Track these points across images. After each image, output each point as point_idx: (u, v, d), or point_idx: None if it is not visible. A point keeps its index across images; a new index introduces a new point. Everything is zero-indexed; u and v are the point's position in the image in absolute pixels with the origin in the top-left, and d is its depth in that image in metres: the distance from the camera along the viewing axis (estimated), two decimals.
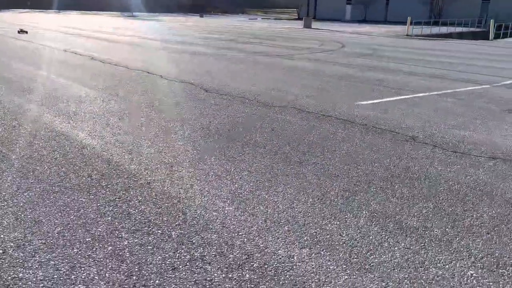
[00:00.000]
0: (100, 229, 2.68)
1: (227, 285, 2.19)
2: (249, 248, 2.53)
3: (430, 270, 2.38)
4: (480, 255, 2.55)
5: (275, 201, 3.18)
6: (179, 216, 2.89)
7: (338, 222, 2.89)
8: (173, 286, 2.17)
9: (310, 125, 5.27)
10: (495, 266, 2.44)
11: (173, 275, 2.26)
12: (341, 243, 2.63)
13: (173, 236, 2.64)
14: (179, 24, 34.69)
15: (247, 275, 2.28)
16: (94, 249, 2.47)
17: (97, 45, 15.05)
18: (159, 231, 2.69)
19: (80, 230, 2.66)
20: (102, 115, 5.45)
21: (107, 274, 2.24)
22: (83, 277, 2.21)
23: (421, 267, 2.41)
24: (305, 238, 2.67)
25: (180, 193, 3.24)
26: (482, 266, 2.43)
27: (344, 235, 2.73)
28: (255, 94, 7.03)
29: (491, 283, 2.28)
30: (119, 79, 8.22)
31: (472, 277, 2.33)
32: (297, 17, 60.41)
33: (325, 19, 51.62)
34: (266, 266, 2.37)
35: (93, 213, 2.88)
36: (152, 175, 3.57)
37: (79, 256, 2.39)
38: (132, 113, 5.63)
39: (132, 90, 7.11)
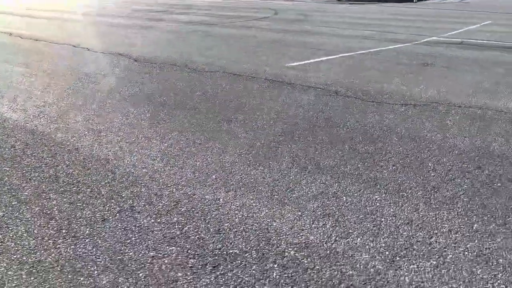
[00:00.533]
0: (26, 193, 2.69)
1: (155, 229, 2.33)
2: (177, 196, 2.68)
3: (341, 198, 2.68)
4: (385, 183, 2.88)
5: (204, 155, 3.33)
6: (108, 175, 2.95)
7: (262, 168, 3.11)
8: (103, 234, 2.28)
9: (240, 87, 5.42)
10: (396, 190, 2.79)
11: (103, 225, 2.36)
12: (264, 184, 2.85)
13: (103, 192, 2.72)
14: None
15: (175, 219, 2.43)
16: (21, 211, 2.49)
17: (18, 21, 13.99)
18: (88, 190, 2.75)
19: (5, 196, 2.65)
20: (24, 90, 5.23)
21: (35, 231, 2.29)
22: (11, 235, 2.25)
23: (333, 197, 2.69)
24: (231, 183, 2.86)
25: (109, 155, 3.28)
26: (385, 191, 2.77)
27: (267, 177, 2.95)
28: (187, 61, 7.02)
29: (391, 203, 2.61)
30: (42, 54, 7.80)
31: (376, 201, 2.65)
32: None
33: None
34: (193, 209, 2.53)
35: (18, 180, 2.86)
36: (79, 141, 3.57)
37: (6, 218, 2.41)
38: (57, 85, 5.45)
39: (57, 64, 6.82)
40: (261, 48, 8.56)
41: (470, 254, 2.13)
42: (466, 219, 2.45)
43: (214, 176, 2.96)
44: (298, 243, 2.21)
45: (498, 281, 1.93)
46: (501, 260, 2.08)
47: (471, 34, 11.30)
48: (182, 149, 3.44)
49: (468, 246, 2.20)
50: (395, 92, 5.19)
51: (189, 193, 2.73)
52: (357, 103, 4.77)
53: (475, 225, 2.38)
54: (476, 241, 2.24)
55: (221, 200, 2.64)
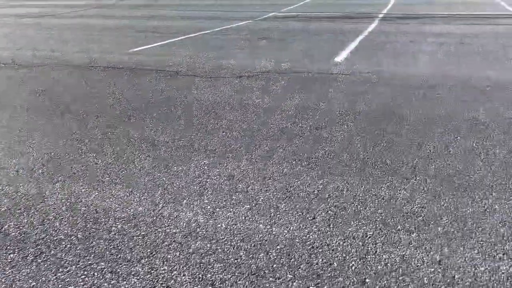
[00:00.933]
0: None
1: None
2: None
3: (172, 168, 2.83)
4: (213, 148, 3.13)
5: (29, 152, 3.15)
6: None
7: (94, 154, 3.08)
8: None
9: (77, 78, 5.16)
10: (223, 153, 3.05)
11: None
12: (95, 169, 2.84)
13: None
14: None
15: None
16: None
17: None
18: None
19: None
20: None
21: None
22: None
23: (164, 168, 2.83)
24: (59, 175, 2.79)
25: None
26: (214, 155, 3.01)
27: (99, 162, 2.95)
28: (14, 57, 6.37)
29: (218, 165, 2.86)
30: None
31: (204, 165, 2.87)
32: None
33: None
34: (15, 207, 2.42)
35: None
36: None
37: None
38: None
39: None
40: (104, 36, 8.18)
41: (278, 193, 2.48)
42: (278, 166, 2.82)
43: (40, 171, 2.85)
44: (126, 216, 2.30)
45: (297, 210, 2.31)
46: (301, 193, 2.47)
47: (306, 7, 12.46)
48: (2, 150, 3.20)
49: (277, 187, 2.55)
50: (232, 67, 5.53)
51: (10, 192, 2.58)
52: (196, 80, 4.96)
53: (285, 169, 2.77)
54: (284, 182, 2.61)
55: (47, 192, 2.57)
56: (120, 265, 1.93)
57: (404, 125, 3.46)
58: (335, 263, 1.89)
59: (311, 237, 2.08)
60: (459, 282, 1.75)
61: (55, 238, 2.14)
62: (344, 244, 2.02)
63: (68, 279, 1.85)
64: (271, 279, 1.81)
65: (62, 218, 2.31)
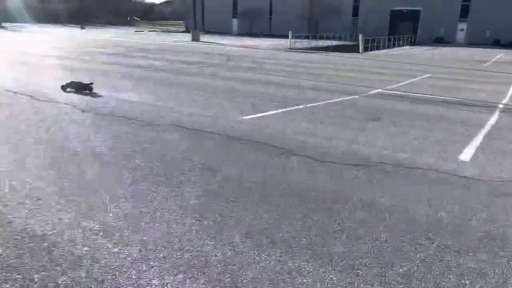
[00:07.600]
0: None
1: None
2: None
3: None
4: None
5: None
6: None
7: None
8: None
9: (187, 142, 5.29)
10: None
11: None
12: None
13: None
14: (52, 37, 32.14)
15: None
16: None
17: None
18: None
19: None
20: None
21: None
22: None
23: None
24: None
25: None
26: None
27: None
28: (141, 113, 6.82)
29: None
30: None
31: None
32: (185, 29, 60.31)
33: (213, 32, 52.71)
34: None
35: None
36: None
37: None
38: None
39: None
40: (212, 99, 8.53)
41: None
42: None
43: (162, 255, 2.74)
44: None
45: None
46: None
47: (412, 87, 12.01)
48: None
49: None
50: (342, 149, 5.27)
51: None
52: (308, 162, 4.76)
53: None
54: None
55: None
56: None
57: None
58: None
59: None
60: None
61: None
62: None
63: None
64: None
65: None
